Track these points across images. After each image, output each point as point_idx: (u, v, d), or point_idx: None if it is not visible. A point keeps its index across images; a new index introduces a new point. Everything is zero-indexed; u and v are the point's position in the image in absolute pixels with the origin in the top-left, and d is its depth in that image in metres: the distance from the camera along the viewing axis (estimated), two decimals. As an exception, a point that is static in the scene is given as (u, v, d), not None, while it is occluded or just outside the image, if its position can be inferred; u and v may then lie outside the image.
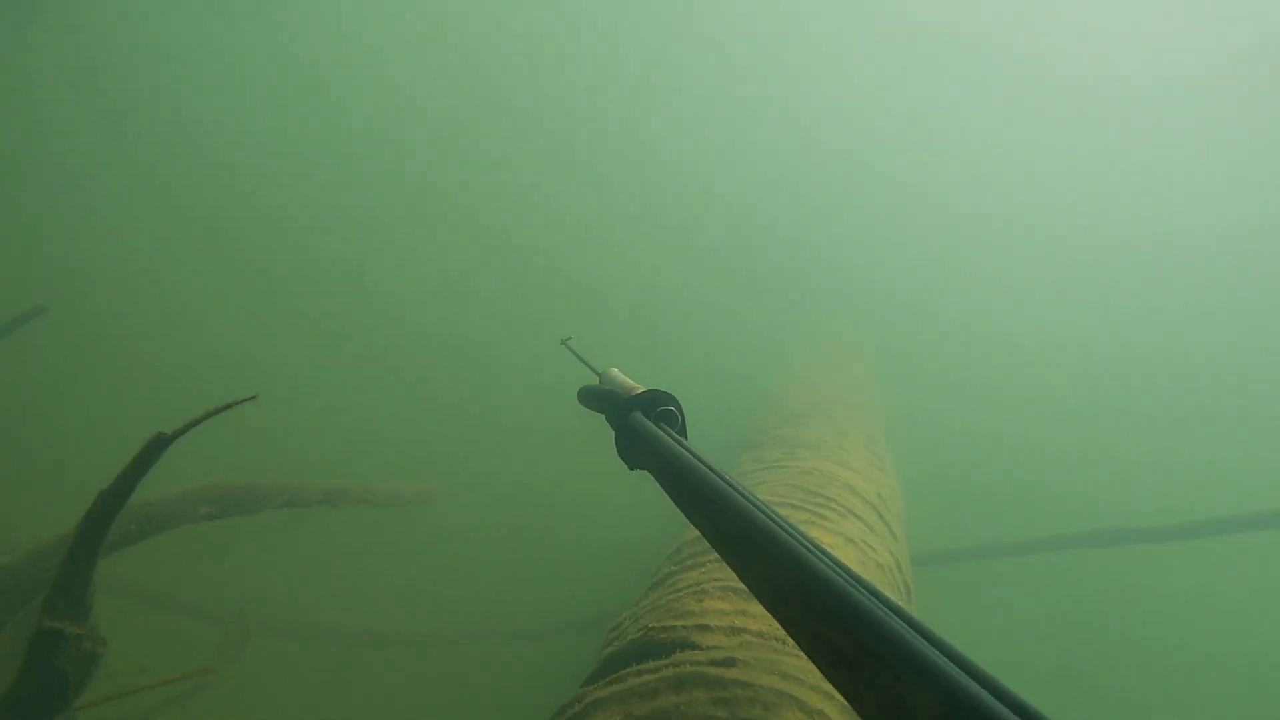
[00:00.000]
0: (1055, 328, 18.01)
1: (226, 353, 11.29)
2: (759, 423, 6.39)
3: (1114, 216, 22.36)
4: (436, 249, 17.69)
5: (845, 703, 2.01)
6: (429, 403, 11.50)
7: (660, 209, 21.74)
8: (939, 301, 18.69)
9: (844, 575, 0.86)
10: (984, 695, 0.66)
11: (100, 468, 2.73)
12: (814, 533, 3.40)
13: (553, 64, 24.84)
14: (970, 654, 0.74)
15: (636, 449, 1.54)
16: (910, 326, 16.34)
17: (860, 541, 3.61)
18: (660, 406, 1.60)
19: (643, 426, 1.51)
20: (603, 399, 1.75)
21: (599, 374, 1.99)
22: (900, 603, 1.17)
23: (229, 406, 2.10)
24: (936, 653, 0.72)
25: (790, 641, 2.32)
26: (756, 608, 2.59)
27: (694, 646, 2.28)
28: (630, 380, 1.80)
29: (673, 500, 1.29)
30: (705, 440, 2.98)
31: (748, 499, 1.06)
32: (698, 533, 3.76)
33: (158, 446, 2.21)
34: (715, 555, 3.24)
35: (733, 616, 2.50)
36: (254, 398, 2.05)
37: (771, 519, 1.00)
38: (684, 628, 2.43)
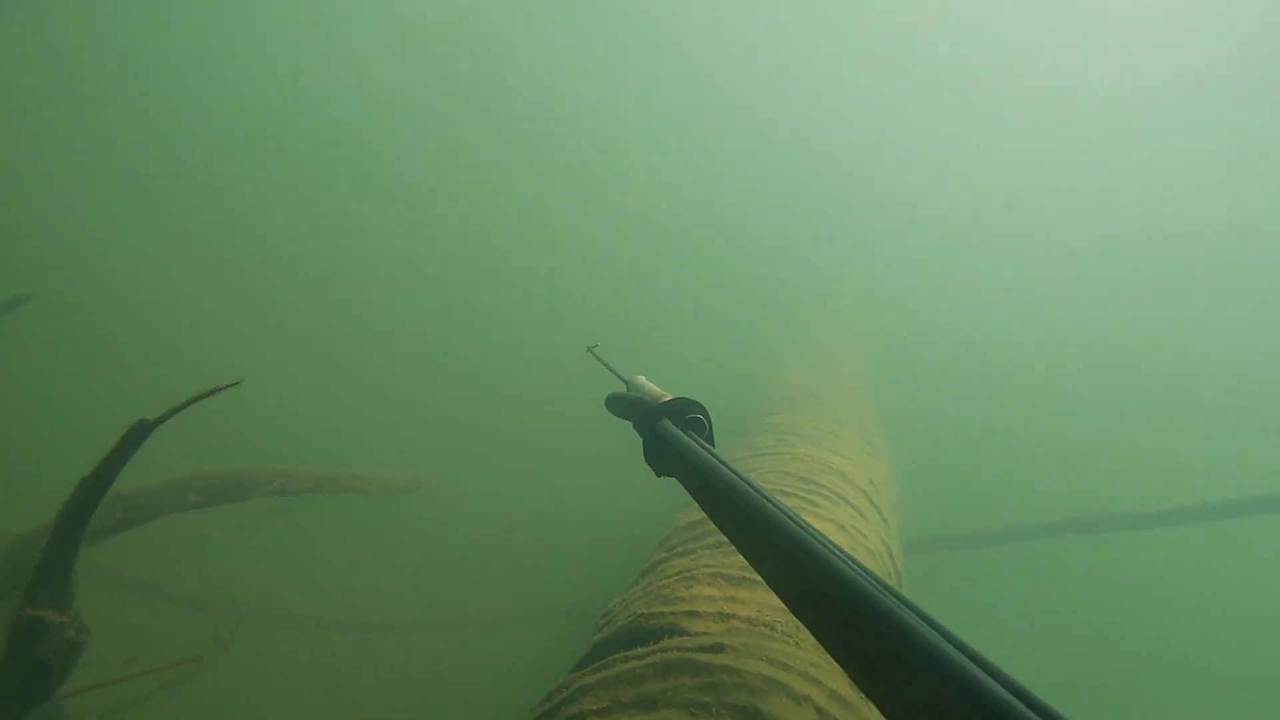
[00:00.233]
0: (1046, 320, 18.10)
1: (212, 344, 11.24)
2: (752, 410, 6.39)
3: (1101, 212, 22.46)
4: (427, 245, 17.66)
5: (832, 689, 2.01)
6: (424, 393, 11.47)
7: (654, 208, 21.78)
8: (931, 294, 18.75)
9: (874, 583, 0.85)
10: (1017, 705, 0.66)
11: (84, 456, 2.71)
12: (805, 519, 3.40)
13: (543, 70, 24.84)
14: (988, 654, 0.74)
15: (664, 456, 1.55)
16: (903, 318, 16.38)
17: (851, 528, 3.61)
18: (688, 414, 1.61)
19: (671, 434, 1.52)
20: (631, 406, 1.77)
21: (625, 381, 1.99)
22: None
23: (212, 393, 2.07)
24: (968, 660, 0.72)
25: (778, 627, 2.32)
26: (745, 594, 2.59)
27: (682, 633, 2.28)
28: (656, 388, 1.80)
29: (702, 507, 1.30)
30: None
31: (777, 507, 1.06)
32: (689, 520, 3.76)
33: (139, 433, 2.18)
34: (706, 542, 3.24)
35: (721, 603, 2.50)
36: (238, 383, 2.03)
37: (802, 527, 1.00)
38: (673, 614, 2.43)
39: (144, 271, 13.33)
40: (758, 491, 1.13)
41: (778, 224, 21.48)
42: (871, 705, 2.08)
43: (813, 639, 2.32)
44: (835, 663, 0.86)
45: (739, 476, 1.20)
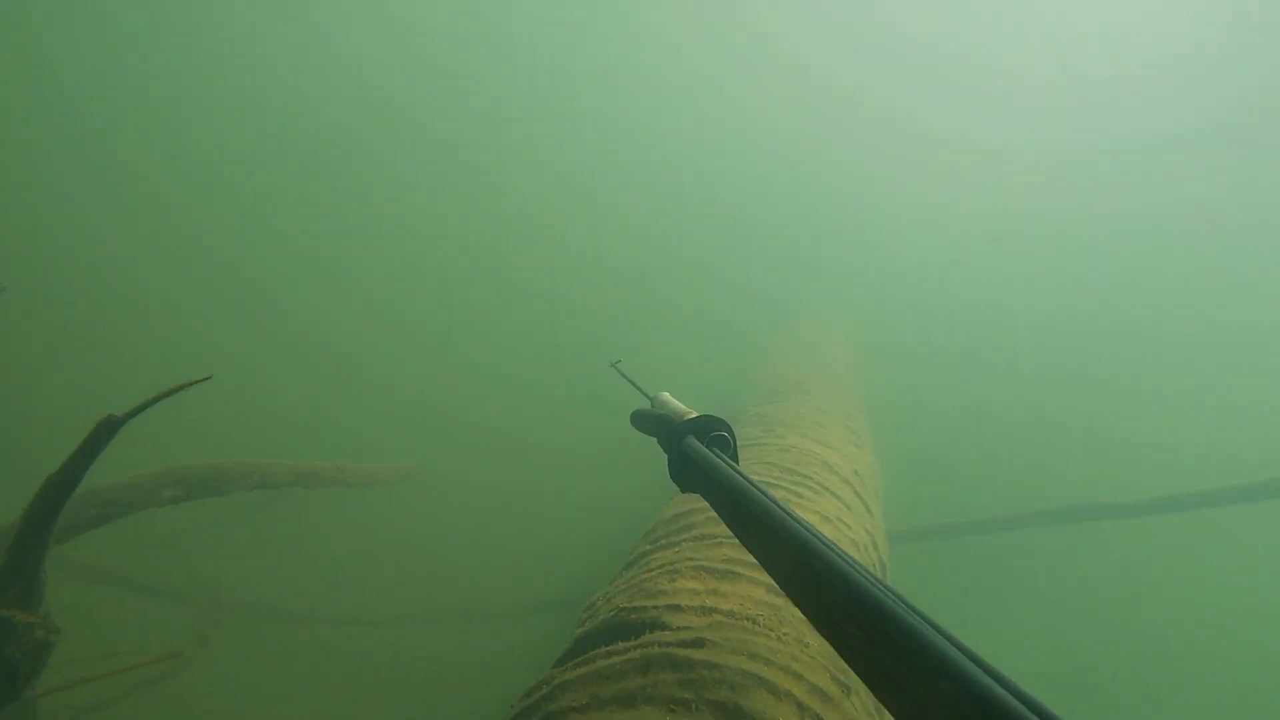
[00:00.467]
0: (1036, 309, 18.14)
1: (195, 337, 11.12)
2: (738, 400, 6.38)
3: (1090, 196, 22.56)
4: (418, 239, 17.57)
5: (813, 683, 2.00)
6: (410, 388, 11.40)
7: (646, 204, 21.78)
8: (922, 286, 18.81)
9: (902, 604, 0.86)
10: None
11: (56, 449, 2.66)
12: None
13: (538, 69, 24.74)
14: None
15: (689, 473, 1.57)
16: (890, 306, 16.42)
17: (836, 519, 3.61)
18: (713, 431, 1.63)
19: (696, 451, 1.54)
20: (656, 423, 1.79)
21: (650, 397, 2.01)
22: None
23: (182, 388, 2.03)
24: (999, 688, 0.72)
25: (760, 621, 2.31)
26: (728, 587, 2.58)
27: (664, 627, 2.27)
28: (681, 404, 1.82)
29: (727, 525, 1.31)
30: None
31: (803, 526, 1.07)
32: (674, 512, 3.74)
33: (107, 430, 2.13)
34: (689, 535, 3.23)
35: (704, 596, 2.49)
36: (209, 378, 1.99)
37: (827, 546, 1.02)
38: (655, 608, 2.41)
39: (123, 263, 13.16)
40: (782, 509, 1.15)
41: (767, 219, 21.55)
42: (851, 701, 2.08)
43: (794, 634, 2.32)
44: (855, 674, 0.87)
45: (763, 494, 1.22)
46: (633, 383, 2.45)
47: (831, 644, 0.93)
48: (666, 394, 1.97)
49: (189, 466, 3.62)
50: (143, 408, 2.08)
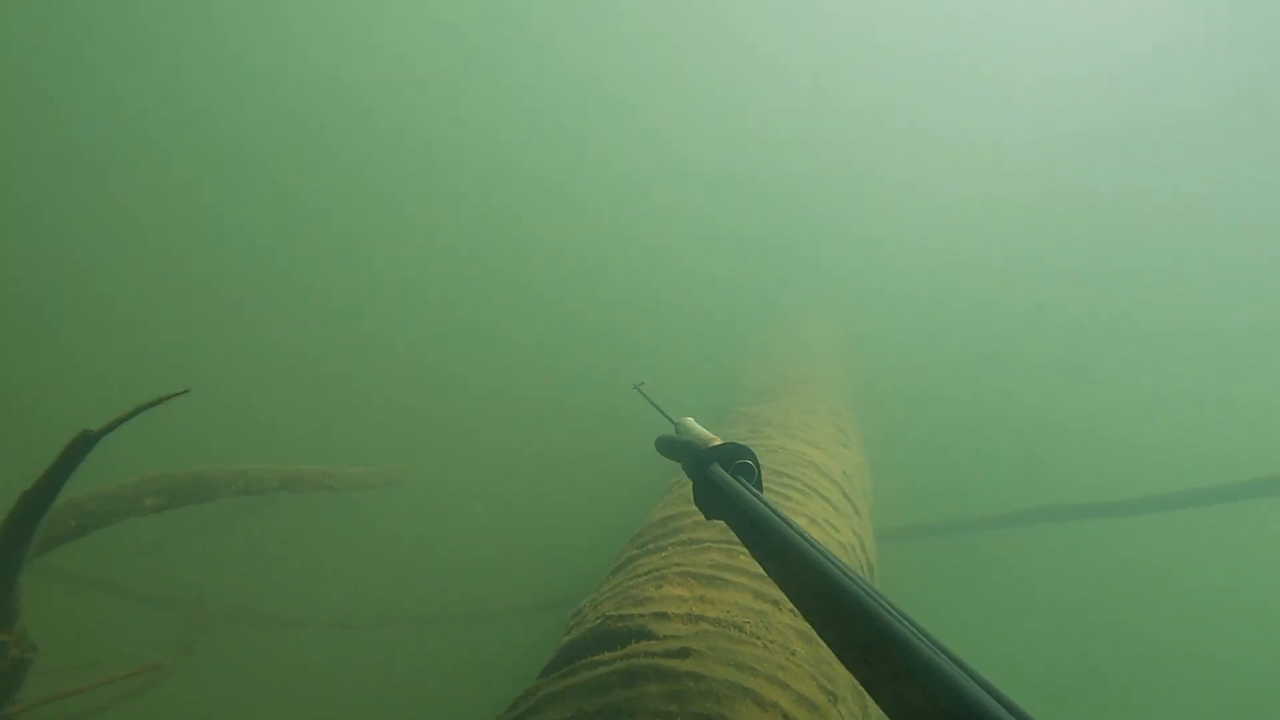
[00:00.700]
0: (1027, 301, 18.17)
1: (180, 344, 11.00)
2: (726, 400, 6.38)
3: (1078, 194, 22.64)
4: (398, 244, 17.46)
5: (799, 692, 2.00)
6: (396, 392, 11.32)
7: (633, 204, 21.75)
8: (908, 274, 18.83)
9: (926, 640, 0.88)
10: None
11: (30, 464, 2.61)
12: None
13: (523, 74, 24.66)
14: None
15: (714, 500, 1.58)
16: (881, 304, 16.44)
17: (824, 521, 3.62)
18: (738, 459, 1.66)
19: (722, 480, 1.56)
20: (681, 449, 1.81)
21: (674, 422, 2.04)
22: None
23: (159, 401, 1.99)
24: None
25: (746, 628, 2.30)
26: (715, 593, 2.58)
27: (650, 636, 2.26)
28: (705, 430, 1.84)
29: (751, 554, 1.32)
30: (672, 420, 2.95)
31: (827, 558, 1.10)
32: (662, 515, 3.73)
33: (84, 445, 2.10)
34: (677, 539, 3.22)
35: (691, 603, 2.48)
36: (186, 391, 1.96)
37: (851, 579, 1.03)
38: (641, 616, 2.40)
39: (99, 268, 13.00)
40: (807, 541, 1.17)
41: (753, 213, 21.52)
42: (838, 709, 2.08)
43: (781, 641, 2.32)
44: (877, 706, 0.90)
45: (789, 525, 1.24)
46: (657, 406, 2.48)
47: (854, 676, 0.95)
48: (691, 419, 1.99)
49: (171, 474, 3.58)
50: (119, 421, 2.05)
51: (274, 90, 21.58)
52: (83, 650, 4.53)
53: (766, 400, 5.85)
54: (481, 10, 24.88)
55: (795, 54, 26.32)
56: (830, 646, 1.02)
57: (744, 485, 1.50)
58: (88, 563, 5.72)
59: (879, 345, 12.97)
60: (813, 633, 2.45)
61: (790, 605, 2.66)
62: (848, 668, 0.98)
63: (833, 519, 3.72)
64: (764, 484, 3.85)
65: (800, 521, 3.48)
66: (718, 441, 1.71)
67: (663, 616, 2.38)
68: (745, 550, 3.04)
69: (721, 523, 3.40)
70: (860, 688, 2.40)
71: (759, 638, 2.28)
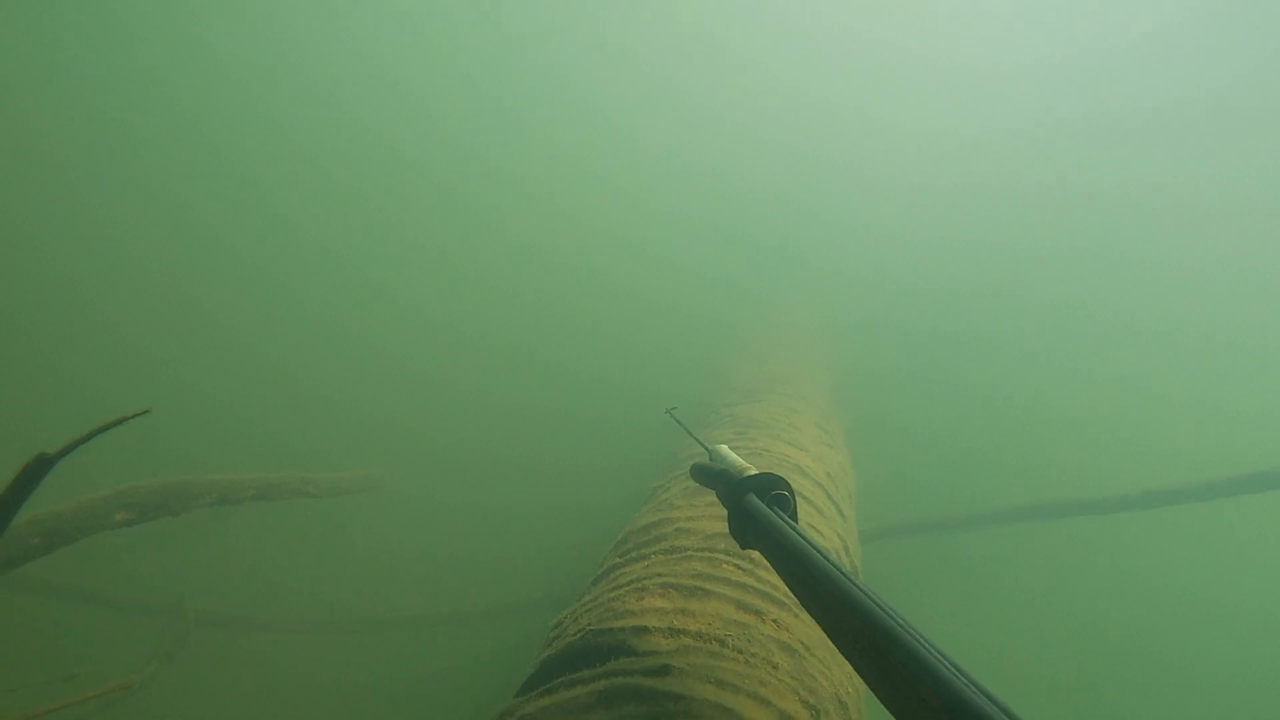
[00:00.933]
0: (1020, 292, 18.18)
1: (143, 351, 10.81)
2: (711, 400, 6.35)
3: (1059, 182, 22.73)
4: (377, 244, 17.30)
5: (782, 709, 1.96)
6: (376, 398, 11.20)
7: (610, 206, 21.67)
8: (889, 269, 18.84)
9: (962, 677, 0.89)
10: None
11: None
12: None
13: (495, 78, 24.51)
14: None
15: (749, 530, 1.59)
16: (864, 298, 16.45)
17: (808, 526, 3.60)
18: (773, 490, 1.66)
19: (758, 510, 1.56)
20: (716, 478, 1.82)
21: (708, 449, 2.05)
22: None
23: (118, 422, 1.93)
24: None
25: (729, 642, 2.27)
26: (696, 605, 2.54)
27: (630, 652, 2.22)
28: (739, 459, 1.85)
29: (787, 585, 1.33)
30: (667, 420, 2.94)
31: (865, 593, 1.10)
32: (644, 522, 3.69)
33: (38, 469, 2.03)
34: (659, 548, 3.18)
35: (672, 616, 2.44)
36: (147, 411, 1.90)
37: (889, 614, 1.04)
38: (622, 630, 2.36)
39: (67, 275, 12.75)
40: (844, 575, 1.18)
41: (736, 209, 21.50)
42: (821, 725, 2.05)
43: (763, 654, 2.29)
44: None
45: (826, 558, 1.25)
46: (689, 432, 2.54)
47: (891, 712, 0.96)
48: (724, 447, 2.01)
49: (141, 485, 3.49)
50: (77, 444, 1.98)
51: (251, 93, 21.29)
52: (53, 663, 4.44)
53: (752, 400, 5.83)
54: (460, 13, 24.65)
55: (765, 46, 26.32)
56: (866, 682, 1.02)
57: (779, 515, 1.51)
58: (57, 570, 5.60)
59: (861, 335, 12.99)
60: (795, 645, 2.43)
61: (773, 617, 2.64)
62: (884, 704, 0.98)
63: (817, 523, 3.70)
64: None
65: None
66: (752, 470, 1.72)
67: (643, 631, 2.34)
68: (727, 559, 3.01)
69: (704, 530, 3.37)
70: (843, 700, 2.38)
71: (741, 652, 2.25)
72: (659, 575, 2.79)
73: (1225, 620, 9.92)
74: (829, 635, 1.14)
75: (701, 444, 2.23)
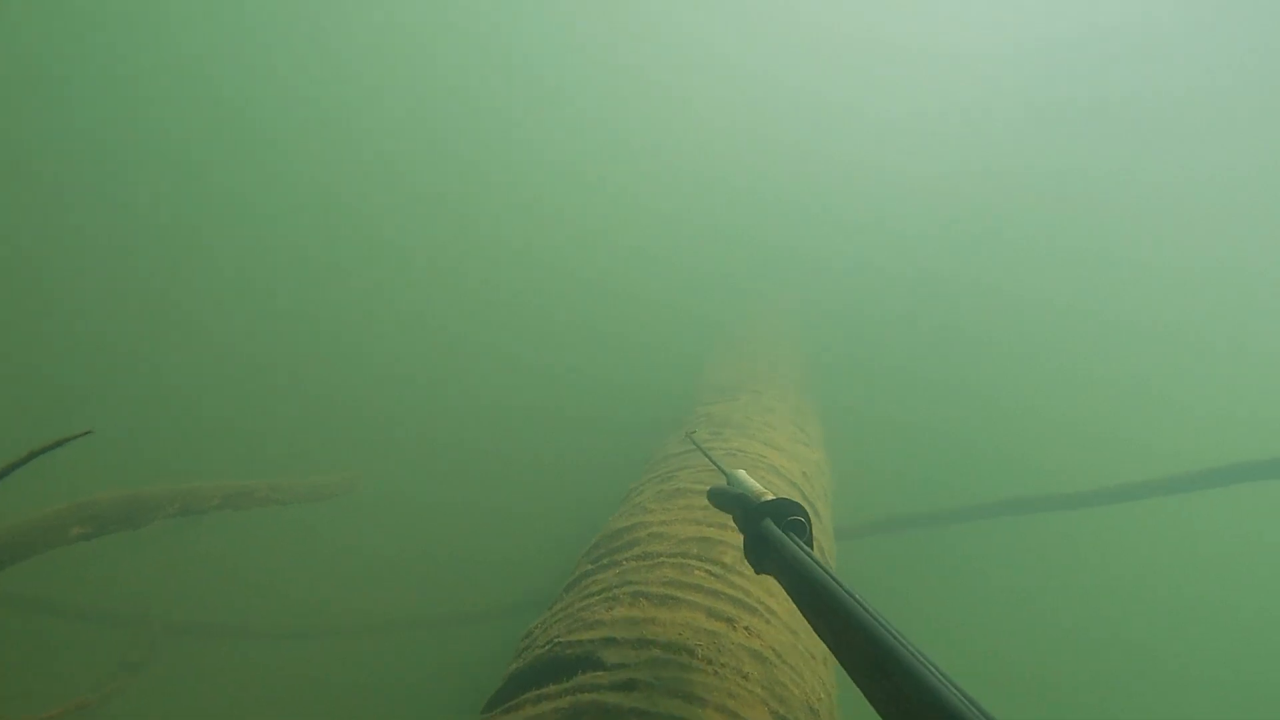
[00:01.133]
0: (1009, 286, 18.23)
1: (110, 351, 10.58)
2: (687, 399, 6.33)
3: (1038, 171, 22.87)
4: (357, 239, 17.10)
5: (749, 723, 1.94)
6: (354, 397, 11.06)
7: (591, 203, 21.58)
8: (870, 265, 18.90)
9: (974, 707, 0.89)
10: None
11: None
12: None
13: (489, 72, 24.30)
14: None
15: (765, 556, 1.61)
16: (841, 296, 16.48)
17: (781, 527, 3.57)
18: (790, 516, 1.67)
19: (774, 536, 1.58)
20: (733, 502, 1.85)
21: (726, 474, 2.08)
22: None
23: (57, 445, 1.86)
24: None
25: (698, 653, 2.24)
26: (666, 614, 2.51)
27: (598, 666, 2.18)
28: (757, 484, 1.88)
29: (802, 612, 1.35)
30: (644, 420, 2.96)
31: (880, 623, 1.10)
32: (616, 527, 3.65)
33: (-25, 488, 1.95)
34: (630, 554, 3.15)
35: (642, 626, 2.41)
36: (88, 433, 1.82)
37: (904, 645, 1.04)
38: (591, 642, 2.33)
39: (46, 274, 12.47)
40: (861, 604, 1.18)
41: (720, 208, 21.46)
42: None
43: (733, 664, 2.26)
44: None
45: (842, 587, 1.25)
46: (709, 456, 2.58)
47: None
48: (743, 471, 2.02)
49: (100, 499, 3.39)
50: (14, 467, 1.90)
51: (241, 92, 20.93)
52: (13, 679, 4.32)
53: (727, 399, 5.81)
54: (450, 14, 24.37)
55: (742, 35, 26.27)
56: (877, 710, 1.02)
57: (795, 542, 1.51)
58: (17, 581, 5.45)
59: (841, 327, 13.02)
60: (766, 652, 2.41)
61: (745, 624, 2.62)
62: None
63: (791, 524, 3.68)
64: (721, 491, 3.80)
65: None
66: (769, 496, 1.73)
67: (612, 642, 2.31)
68: (699, 564, 2.99)
69: (677, 535, 3.35)
70: (814, 707, 2.36)
71: (711, 662, 2.23)
72: (630, 584, 2.76)
73: (1214, 616, 10.04)
74: (842, 663, 1.14)
75: (720, 468, 2.25)
